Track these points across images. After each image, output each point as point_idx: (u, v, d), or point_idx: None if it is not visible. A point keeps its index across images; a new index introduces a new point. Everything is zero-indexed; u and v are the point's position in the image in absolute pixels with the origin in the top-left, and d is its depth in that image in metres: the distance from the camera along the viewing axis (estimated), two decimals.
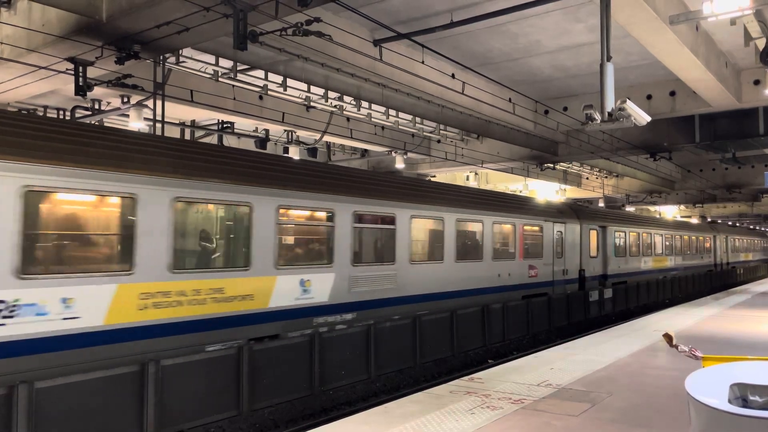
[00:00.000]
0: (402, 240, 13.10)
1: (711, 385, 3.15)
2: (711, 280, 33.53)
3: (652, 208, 45.13)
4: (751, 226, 64.63)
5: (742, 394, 3.07)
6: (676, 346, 4.24)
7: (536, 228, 18.51)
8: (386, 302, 12.49)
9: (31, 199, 7.27)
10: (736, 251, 46.11)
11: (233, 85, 14.89)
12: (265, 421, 9.07)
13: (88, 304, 7.65)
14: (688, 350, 4.19)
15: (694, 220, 44.99)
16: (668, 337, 4.33)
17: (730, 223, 55.83)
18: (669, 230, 31.23)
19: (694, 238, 35.13)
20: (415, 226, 13.65)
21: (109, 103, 14.99)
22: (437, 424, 6.03)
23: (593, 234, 22.40)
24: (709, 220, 51.18)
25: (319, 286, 11.00)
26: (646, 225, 28.15)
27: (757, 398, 3.04)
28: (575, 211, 21.93)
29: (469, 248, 15.62)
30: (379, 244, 12.95)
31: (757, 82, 15.90)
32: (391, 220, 12.90)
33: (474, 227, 15.85)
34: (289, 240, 10.94)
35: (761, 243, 60.31)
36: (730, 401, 3.00)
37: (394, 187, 13.56)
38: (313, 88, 15.45)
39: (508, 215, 17.11)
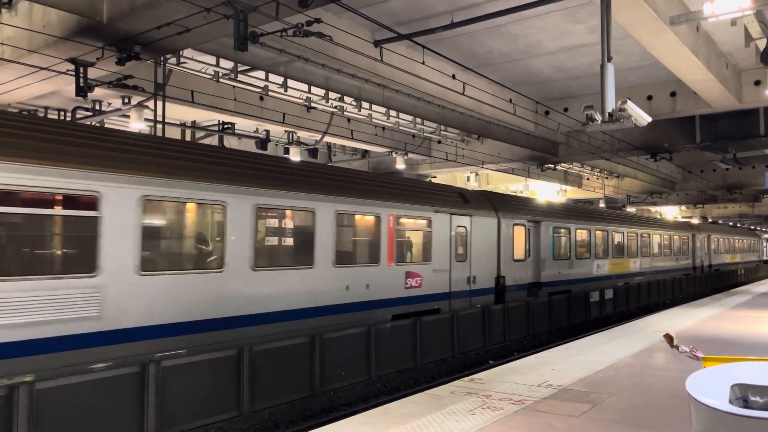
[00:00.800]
0: (117, 235, 8.09)
1: (712, 386, 3.15)
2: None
3: (653, 208, 45.13)
4: (753, 227, 64.17)
5: (743, 394, 3.06)
6: (677, 347, 4.23)
7: (421, 221, 13.78)
8: (69, 343, 7.53)
9: None
10: (721, 252, 41.37)
11: (234, 86, 14.91)
12: (265, 422, 9.07)
13: None
14: (689, 351, 4.18)
15: (695, 220, 44.58)
16: (669, 338, 4.33)
17: (714, 220, 53.00)
18: (633, 227, 26.38)
19: (666, 236, 30.46)
20: (155, 212, 8.79)
21: (109, 103, 15.03)
22: (438, 425, 6.03)
23: (519, 231, 17.64)
24: (710, 220, 51.14)
25: None
26: (599, 221, 23.29)
27: (758, 399, 3.04)
28: (491, 200, 17.17)
29: (284, 249, 10.84)
30: (56, 242, 7.99)
31: (757, 83, 15.90)
32: (90, 203, 7.88)
33: (296, 218, 10.92)
34: None
35: (752, 242, 54.40)
36: (731, 402, 3.00)
37: (98, 146, 8.27)
38: (313, 89, 15.47)
39: (366, 202, 12.17)
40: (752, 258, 53.04)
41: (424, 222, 13.91)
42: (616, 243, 24.26)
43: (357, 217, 12.18)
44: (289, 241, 10.99)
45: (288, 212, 10.81)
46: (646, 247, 27.66)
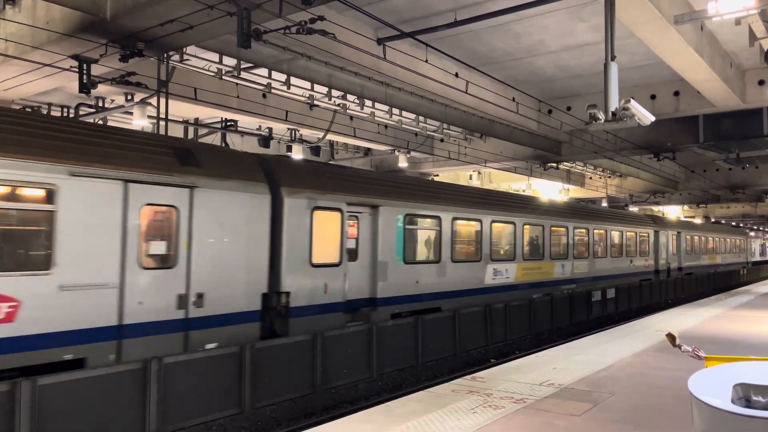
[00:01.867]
0: None
1: (714, 385, 3.15)
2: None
3: (655, 207, 45.08)
4: (756, 227, 63.78)
5: (745, 394, 3.06)
6: (679, 346, 4.24)
7: (21, 192, 7.43)
8: None
9: None
10: (695, 252, 34.69)
11: (237, 84, 14.92)
12: (267, 419, 9.09)
13: None
14: (691, 350, 4.19)
15: (697, 219, 44.03)
16: (671, 337, 4.33)
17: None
18: (559, 220, 19.95)
19: (616, 232, 24.21)
20: None
21: (113, 100, 15.04)
22: (439, 423, 6.03)
23: (330, 219, 11.58)
24: (712, 220, 51.06)
25: None
26: (500, 209, 16.97)
27: (760, 398, 3.03)
28: (265, 166, 10.76)
29: None
30: None
31: (761, 83, 15.86)
32: None
33: None
34: None
35: (738, 241, 46.80)
36: (733, 401, 3.00)
37: None
38: (316, 87, 15.48)
39: None
40: (739, 259, 46.14)
41: (28, 194, 7.53)
42: (529, 240, 18.32)
43: None
44: None
45: None
46: (581, 245, 21.43)
